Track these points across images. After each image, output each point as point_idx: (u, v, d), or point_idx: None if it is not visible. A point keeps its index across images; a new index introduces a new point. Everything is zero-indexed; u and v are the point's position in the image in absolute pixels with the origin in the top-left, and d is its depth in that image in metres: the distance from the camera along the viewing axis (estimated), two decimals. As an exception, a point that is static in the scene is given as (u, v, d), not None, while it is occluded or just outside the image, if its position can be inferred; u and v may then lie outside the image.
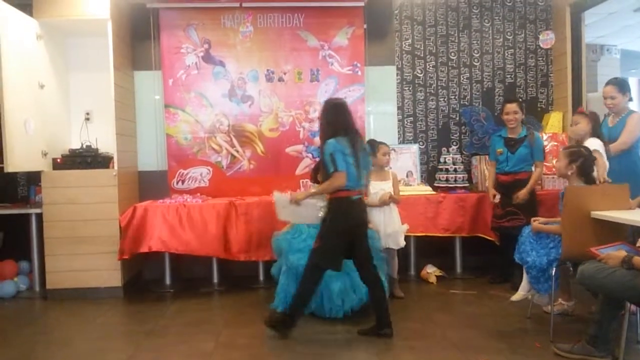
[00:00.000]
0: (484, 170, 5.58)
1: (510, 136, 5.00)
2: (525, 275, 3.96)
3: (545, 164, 5.46)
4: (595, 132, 4.23)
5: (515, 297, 4.18)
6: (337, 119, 3.78)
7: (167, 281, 5.32)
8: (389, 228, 4.62)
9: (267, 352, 3.56)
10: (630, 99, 4.49)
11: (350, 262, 4.01)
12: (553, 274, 3.61)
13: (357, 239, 3.80)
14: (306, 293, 3.79)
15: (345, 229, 3.74)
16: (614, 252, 3.03)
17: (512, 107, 4.97)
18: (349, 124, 3.79)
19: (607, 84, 4.45)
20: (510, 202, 4.88)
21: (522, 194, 4.83)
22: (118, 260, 4.87)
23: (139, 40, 5.67)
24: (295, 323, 3.78)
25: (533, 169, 4.96)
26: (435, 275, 5.28)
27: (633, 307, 3.36)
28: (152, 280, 5.46)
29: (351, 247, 3.80)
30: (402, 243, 4.72)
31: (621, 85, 4.39)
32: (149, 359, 3.51)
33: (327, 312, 4.03)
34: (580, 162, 3.66)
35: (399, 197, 4.75)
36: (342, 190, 3.69)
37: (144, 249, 4.86)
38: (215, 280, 5.36)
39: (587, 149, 3.80)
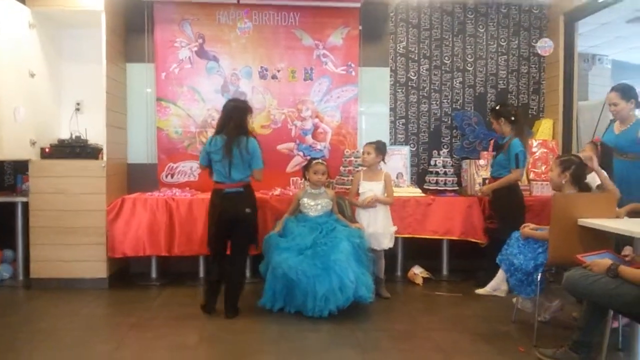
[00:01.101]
0: (474, 174, 5.62)
1: (500, 142, 5.06)
2: (499, 274, 3.96)
3: (533, 170, 5.53)
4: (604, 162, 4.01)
5: (480, 290, 4.18)
6: (221, 119, 4.23)
7: (154, 274, 5.30)
8: (371, 228, 4.63)
9: (251, 348, 3.55)
10: (637, 106, 4.22)
11: (339, 260, 4.02)
12: (538, 279, 3.64)
13: (228, 230, 4.15)
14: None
15: (213, 216, 4.16)
16: (600, 260, 3.05)
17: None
18: (228, 124, 4.12)
19: (612, 89, 4.26)
20: (491, 205, 5.04)
21: (485, 187, 5.03)
22: (107, 254, 4.88)
23: (132, 33, 5.63)
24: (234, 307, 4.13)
25: None
26: (422, 277, 5.30)
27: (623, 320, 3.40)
28: (138, 273, 5.42)
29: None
30: (386, 245, 4.70)
31: (624, 92, 4.17)
32: (133, 351, 3.50)
33: (311, 311, 4.01)
34: (573, 169, 3.66)
35: (391, 198, 4.74)
36: (215, 182, 4.20)
37: (134, 252, 4.91)
38: (202, 274, 5.34)
39: (577, 156, 3.82)
